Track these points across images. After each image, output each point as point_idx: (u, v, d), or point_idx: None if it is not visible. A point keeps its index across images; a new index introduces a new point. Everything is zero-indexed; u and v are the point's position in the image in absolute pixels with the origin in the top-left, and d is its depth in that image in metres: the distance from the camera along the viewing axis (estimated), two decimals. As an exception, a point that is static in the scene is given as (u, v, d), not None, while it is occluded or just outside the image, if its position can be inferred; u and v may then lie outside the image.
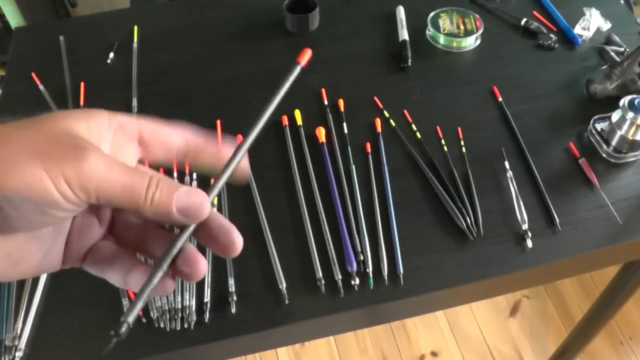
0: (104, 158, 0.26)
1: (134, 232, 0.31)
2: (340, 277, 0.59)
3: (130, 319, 0.27)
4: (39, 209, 0.25)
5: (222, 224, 0.30)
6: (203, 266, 0.30)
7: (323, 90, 0.78)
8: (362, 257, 0.61)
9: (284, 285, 0.59)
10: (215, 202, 0.65)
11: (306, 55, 0.34)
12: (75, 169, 0.25)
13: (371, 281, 0.59)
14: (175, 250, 0.29)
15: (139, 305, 0.28)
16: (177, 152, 0.30)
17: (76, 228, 0.30)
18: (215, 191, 0.30)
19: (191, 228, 0.29)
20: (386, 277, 0.60)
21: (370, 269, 0.60)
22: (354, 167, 0.69)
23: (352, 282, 0.59)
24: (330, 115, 0.75)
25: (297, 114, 0.74)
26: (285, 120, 0.74)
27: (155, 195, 0.27)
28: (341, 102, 0.76)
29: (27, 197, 0.24)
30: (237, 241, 0.31)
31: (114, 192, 0.26)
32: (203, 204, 0.28)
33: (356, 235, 0.62)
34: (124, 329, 0.27)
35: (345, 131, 0.73)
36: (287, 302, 0.58)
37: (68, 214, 0.26)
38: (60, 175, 0.24)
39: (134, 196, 0.26)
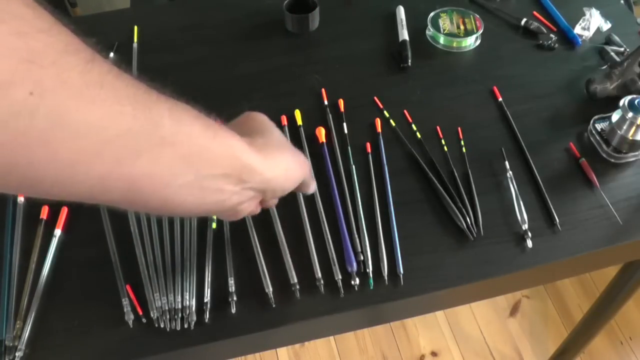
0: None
1: None
2: (340, 277, 0.59)
3: None
4: (291, 189, 0.48)
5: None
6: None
7: (323, 90, 0.78)
8: (362, 257, 0.61)
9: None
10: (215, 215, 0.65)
11: None
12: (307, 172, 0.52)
13: (371, 281, 0.59)
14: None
15: None
16: None
17: None
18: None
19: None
20: (386, 277, 0.60)
21: (370, 269, 0.60)
22: (354, 167, 0.69)
23: (352, 282, 0.59)
24: (330, 115, 0.75)
25: (297, 114, 0.74)
26: (284, 120, 0.74)
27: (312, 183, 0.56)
28: (341, 102, 0.76)
29: (295, 183, 0.49)
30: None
31: (309, 183, 0.54)
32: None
33: (356, 235, 0.62)
34: None
35: (346, 131, 0.73)
36: (287, 302, 0.58)
37: None
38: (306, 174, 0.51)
39: (312, 184, 0.55)
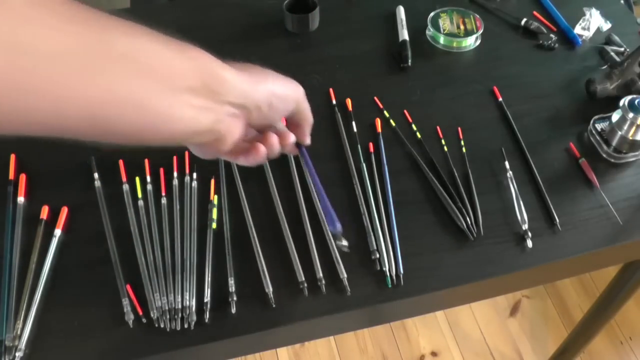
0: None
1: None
2: (345, 275, 0.59)
3: None
4: (283, 112, 0.49)
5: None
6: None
7: (331, 90, 0.78)
8: (377, 255, 0.60)
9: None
10: (215, 215, 0.65)
11: None
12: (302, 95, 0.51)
13: (388, 279, 0.59)
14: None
15: None
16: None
17: None
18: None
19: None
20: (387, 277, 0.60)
21: (387, 267, 0.60)
22: (364, 165, 0.69)
23: (339, 242, 0.56)
24: (338, 115, 0.75)
25: (297, 114, 0.74)
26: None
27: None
28: (349, 102, 0.76)
29: (285, 102, 0.48)
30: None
31: (307, 110, 0.53)
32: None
33: (371, 233, 0.62)
34: None
35: (344, 132, 0.73)
36: (287, 302, 0.58)
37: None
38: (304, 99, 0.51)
39: (309, 117, 0.53)
